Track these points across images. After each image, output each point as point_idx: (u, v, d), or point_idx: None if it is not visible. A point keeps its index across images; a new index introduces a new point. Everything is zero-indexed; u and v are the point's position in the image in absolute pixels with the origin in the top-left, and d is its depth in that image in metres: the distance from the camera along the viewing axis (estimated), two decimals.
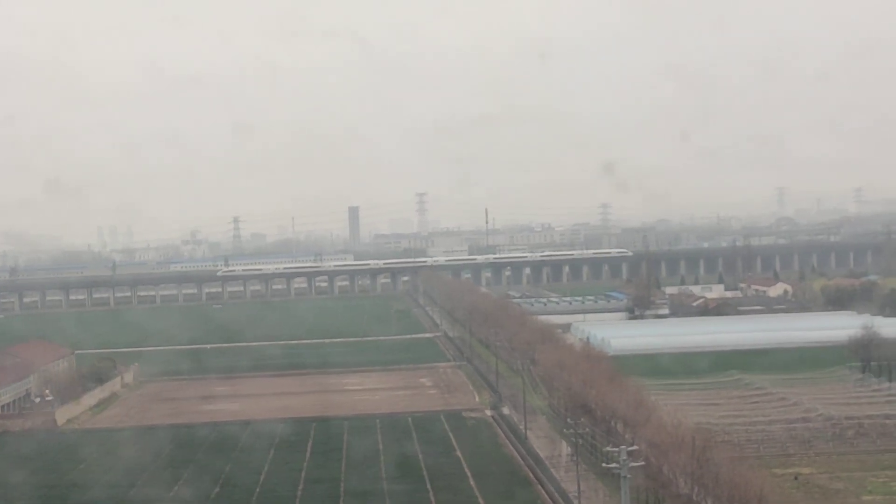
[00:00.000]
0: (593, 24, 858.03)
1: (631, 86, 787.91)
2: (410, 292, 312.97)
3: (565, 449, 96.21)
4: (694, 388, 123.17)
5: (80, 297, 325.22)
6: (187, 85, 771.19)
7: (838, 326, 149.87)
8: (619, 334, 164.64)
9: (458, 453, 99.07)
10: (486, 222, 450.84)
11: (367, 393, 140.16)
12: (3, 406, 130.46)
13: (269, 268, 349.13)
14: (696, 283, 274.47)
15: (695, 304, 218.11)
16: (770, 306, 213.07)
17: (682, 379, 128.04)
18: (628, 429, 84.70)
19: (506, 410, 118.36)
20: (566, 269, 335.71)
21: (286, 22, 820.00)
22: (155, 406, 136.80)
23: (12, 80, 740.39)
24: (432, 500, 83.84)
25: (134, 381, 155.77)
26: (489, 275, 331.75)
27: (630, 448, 64.57)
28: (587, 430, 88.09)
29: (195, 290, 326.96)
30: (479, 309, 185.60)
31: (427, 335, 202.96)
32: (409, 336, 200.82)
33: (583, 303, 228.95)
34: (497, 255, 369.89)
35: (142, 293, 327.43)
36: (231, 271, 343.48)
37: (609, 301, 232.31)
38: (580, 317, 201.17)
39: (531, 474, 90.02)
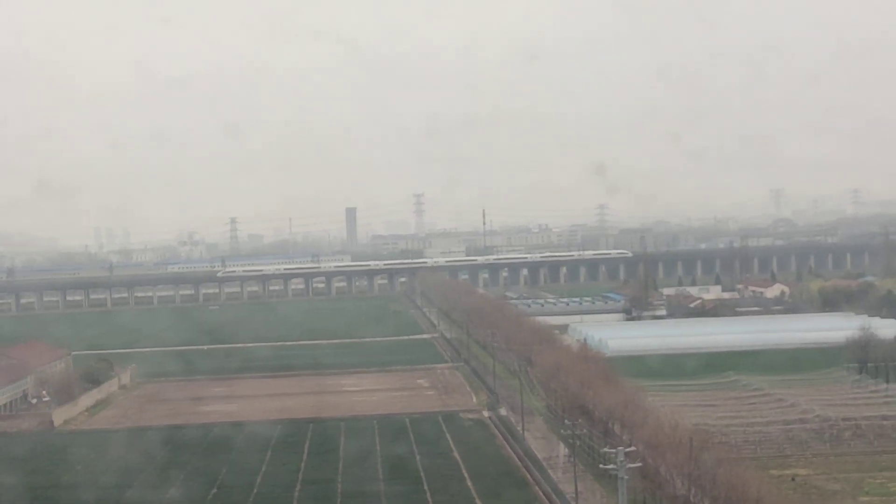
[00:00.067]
0: (586, 25, 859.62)
1: (623, 87, 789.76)
2: (408, 293, 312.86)
3: (562, 450, 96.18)
4: (691, 389, 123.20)
5: (77, 298, 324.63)
6: (181, 86, 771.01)
7: (835, 328, 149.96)
8: (616, 335, 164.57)
9: (456, 454, 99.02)
10: (484, 223, 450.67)
11: (364, 394, 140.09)
12: None
13: (270, 269, 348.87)
14: (694, 284, 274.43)
15: (692, 305, 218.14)
16: (767, 307, 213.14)
17: (679, 380, 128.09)
18: (625, 430, 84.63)
19: (503, 411, 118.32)
20: (563, 270, 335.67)
21: (278, 24, 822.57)
22: (152, 407, 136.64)
23: (3, 81, 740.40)
24: (429, 501, 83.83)
25: (131, 383, 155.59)
26: (486, 276, 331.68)
27: (627, 449, 64.61)
28: (584, 431, 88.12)
29: (192, 291, 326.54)
30: (477, 310, 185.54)
31: (424, 336, 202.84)
32: (406, 337, 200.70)
33: (580, 304, 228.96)
34: (497, 256, 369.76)
35: (139, 294, 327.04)
36: (231, 272, 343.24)
37: (606, 302, 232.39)
38: (577, 318, 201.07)
39: (528, 475, 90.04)
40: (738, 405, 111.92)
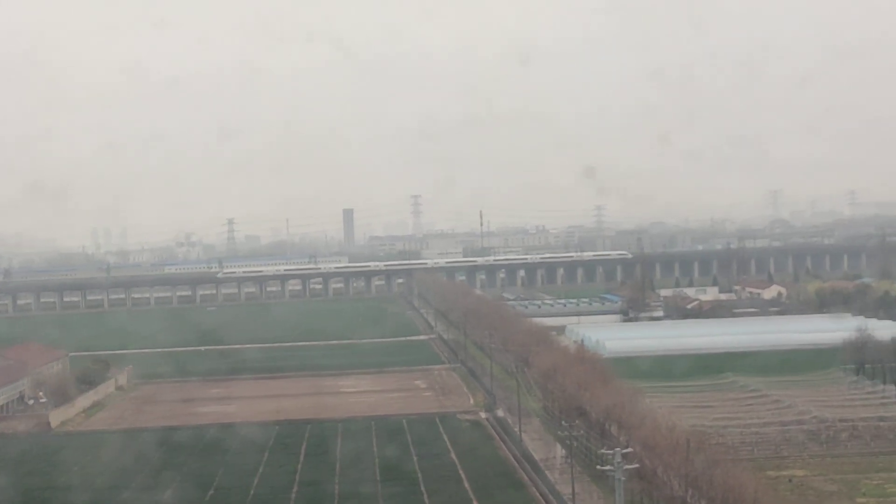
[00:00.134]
0: (582, 27, 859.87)
1: (619, 88, 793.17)
2: (405, 294, 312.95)
3: (560, 451, 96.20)
4: (688, 390, 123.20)
5: (74, 299, 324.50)
6: (177, 87, 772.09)
7: (832, 329, 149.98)
8: (613, 336, 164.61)
9: (453, 455, 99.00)
10: (481, 224, 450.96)
11: (361, 395, 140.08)
12: None
13: (270, 269, 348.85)
14: (691, 285, 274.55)
15: (689, 306, 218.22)
16: (764, 308, 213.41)
17: (676, 381, 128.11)
18: (622, 431, 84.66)
19: (500, 413, 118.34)
20: (561, 271, 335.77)
21: (274, 25, 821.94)
22: (149, 408, 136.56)
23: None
24: (426, 502, 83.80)
25: (128, 384, 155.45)
26: (483, 277, 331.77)
27: (624, 450, 64.60)
28: (581, 432, 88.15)
29: (189, 293, 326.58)
30: (474, 311, 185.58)
31: (422, 337, 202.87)
32: (403, 338, 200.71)
33: (577, 305, 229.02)
34: (498, 257, 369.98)
35: (136, 295, 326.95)
36: (231, 273, 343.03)
37: (603, 303, 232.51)
38: (575, 319, 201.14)
39: (525, 476, 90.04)
40: (734, 406, 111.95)
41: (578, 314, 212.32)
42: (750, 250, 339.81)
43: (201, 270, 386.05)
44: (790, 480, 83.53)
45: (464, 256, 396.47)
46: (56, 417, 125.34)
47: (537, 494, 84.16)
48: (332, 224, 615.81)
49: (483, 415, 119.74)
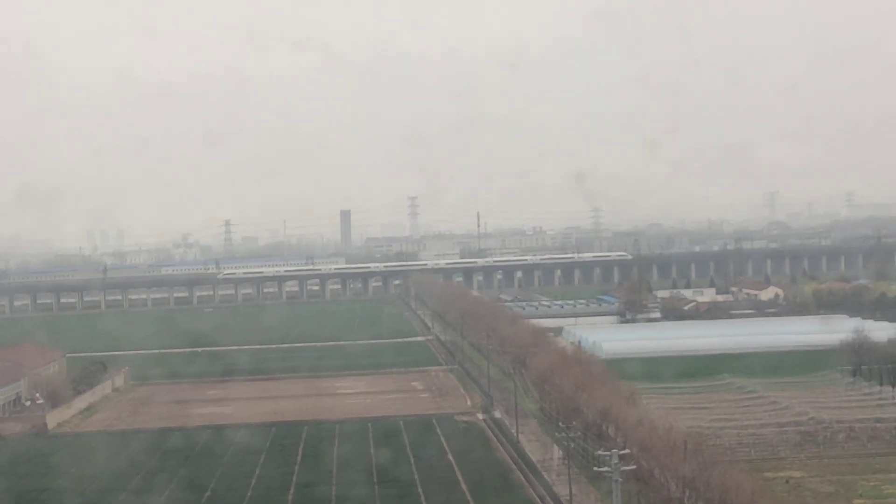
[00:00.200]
0: (579, 30, 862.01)
1: (612, 93, 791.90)
2: (402, 296, 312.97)
3: (557, 452, 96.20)
4: (685, 391, 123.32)
5: (71, 300, 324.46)
6: (173, 91, 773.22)
7: (829, 330, 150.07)
8: (610, 338, 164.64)
9: (450, 457, 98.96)
10: (478, 226, 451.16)
11: (358, 396, 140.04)
12: None
13: (270, 270, 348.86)
14: (688, 286, 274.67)
15: (686, 307, 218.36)
16: (761, 310, 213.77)
17: (673, 382, 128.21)
18: (619, 432, 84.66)
19: (497, 414, 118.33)
20: (558, 272, 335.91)
21: (269, 31, 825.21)
22: (146, 409, 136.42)
23: None
24: (423, 503, 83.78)
25: (125, 385, 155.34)
26: (480, 278, 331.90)
27: (621, 452, 64.60)
28: (579, 433, 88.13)
29: (186, 294, 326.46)
30: (471, 312, 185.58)
31: (419, 339, 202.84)
32: (400, 340, 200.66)
33: (574, 306, 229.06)
34: (497, 259, 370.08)
35: (133, 296, 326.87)
36: (232, 274, 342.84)
37: (601, 305, 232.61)
38: (572, 320, 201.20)
39: (522, 478, 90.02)
40: (731, 407, 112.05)
41: (575, 315, 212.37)
42: (747, 252, 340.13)
43: (198, 272, 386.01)
44: (787, 482, 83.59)
45: (461, 258, 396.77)
46: (53, 419, 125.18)
47: (534, 496, 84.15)
48: (329, 225, 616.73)
49: (480, 416, 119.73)
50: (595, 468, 72.38)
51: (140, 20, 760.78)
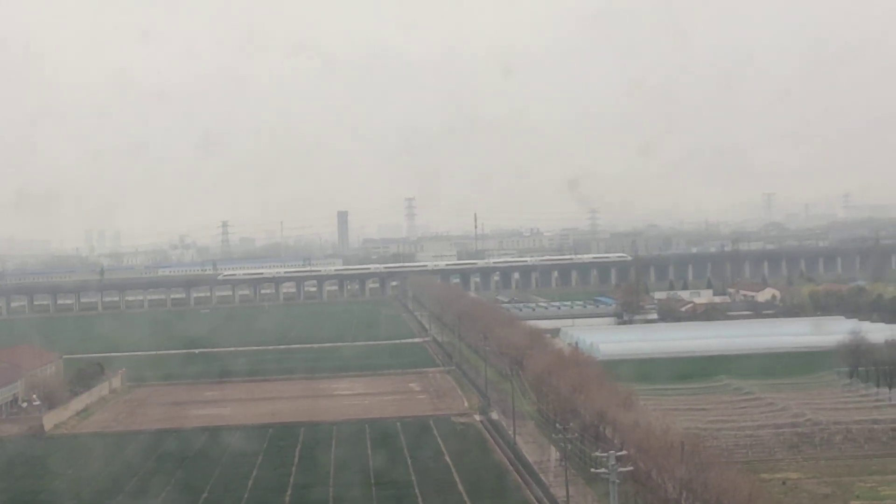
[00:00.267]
0: (576, 34, 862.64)
1: (609, 96, 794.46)
2: (399, 297, 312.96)
3: (554, 454, 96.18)
4: (682, 392, 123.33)
5: (68, 301, 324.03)
6: (167, 96, 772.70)
7: (826, 332, 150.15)
8: (607, 339, 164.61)
9: (447, 458, 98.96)
10: (475, 227, 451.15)
11: (355, 398, 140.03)
12: None
13: (270, 271, 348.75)
14: (685, 287, 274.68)
15: (683, 309, 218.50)
16: (758, 311, 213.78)
17: (670, 384, 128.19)
18: (617, 434, 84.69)
19: (495, 415, 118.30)
20: (555, 273, 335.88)
21: (260, 36, 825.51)
22: (143, 411, 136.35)
23: None
24: None
25: (122, 386, 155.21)
26: (478, 279, 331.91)
27: (618, 453, 64.61)
28: (576, 434, 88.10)
29: (183, 295, 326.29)
30: (468, 314, 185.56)
31: (416, 340, 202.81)
32: (398, 341, 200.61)
33: (571, 308, 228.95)
34: (497, 260, 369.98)
35: (130, 297, 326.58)
36: (232, 275, 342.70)
37: (598, 306, 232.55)
38: (569, 322, 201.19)
39: (520, 479, 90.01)
40: (729, 409, 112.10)
41: (572, 317, 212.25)
42: (744, 253, 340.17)
43: (195, 273, 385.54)
44: (784, 483, 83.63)
45: (458, 259, 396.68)
46: (50, 420, 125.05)
47: (531, 497, 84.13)
48: (327, 227, 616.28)
49: (477, 417, 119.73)
50: (592, 469, 72.42)
51: (137, 24, 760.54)
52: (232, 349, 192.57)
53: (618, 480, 62.09)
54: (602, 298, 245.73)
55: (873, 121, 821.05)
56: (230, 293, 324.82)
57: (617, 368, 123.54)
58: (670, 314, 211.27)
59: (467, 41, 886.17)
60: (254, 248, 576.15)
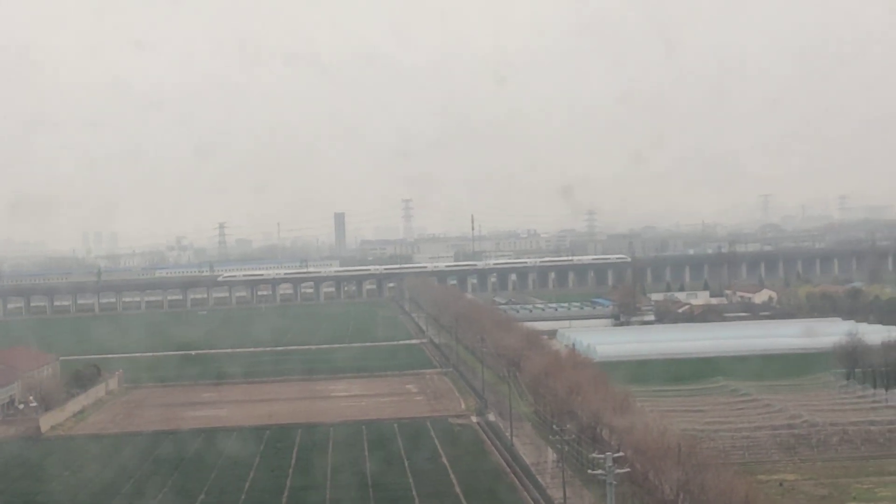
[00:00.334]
0: (574, 39, 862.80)
1: (604, 100, 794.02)
2: (396, 298, 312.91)
3: (551, 455, 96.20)
4: (679, 394, 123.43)
5: (65, 302, 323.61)
6: (163, 101, 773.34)
7: (823, 333, 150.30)
8: (604, 341, 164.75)
9: (444, 460, 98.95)
10: (472, 229, 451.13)
11: (353, 399, 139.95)
12: None
13: (270, 273, 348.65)
14: (682, 289, 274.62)
15: (680, 310, 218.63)
16: (755, 313, 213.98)
17: (667, 385, 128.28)
18: (614, 435, 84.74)
19: (492, 417, 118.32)
20: (552, 275, 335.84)
21: (255, 45, 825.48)
22: (140, 412, 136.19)
23: None
24: None
25: (119, 388, 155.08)
26: (475, 281, 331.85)
27: (615, 454, 64.63)
28: (573, 436, 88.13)
29: (180, 296, 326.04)
30: (465, 315, 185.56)
31: (413, 341, 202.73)
32: (395, 342, 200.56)
33: (568, 309, 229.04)
34: (493, 261, 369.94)
35: (127, 299, 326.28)
36: (232, 276, 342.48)
37: (595, 308, 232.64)
38: (566, 323, 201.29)
39: (517, 481, 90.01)
40: (726, 410, 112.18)
41: (569, 318, 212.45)
42: (741, 254, 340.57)
43: (192, 274, 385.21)
44: (781, 484, 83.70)
45: (455, 260, 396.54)
46: (46, 422, 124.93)
47: (528, 499, 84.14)
48: (324, 228, 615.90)
49: (474, 419, 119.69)
50: (589, 471, 72.43)
51: (133, 32, 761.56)
52: (229, 351, 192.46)
53: (615, 482, 62.10)
54: (599, 300, 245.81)
55: (869, 122, 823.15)
56: (227, 295, 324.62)
57: (614, 370, 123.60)
58: (667, 316, 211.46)
59: (462, 47, 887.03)
60: (251, 250, 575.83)
